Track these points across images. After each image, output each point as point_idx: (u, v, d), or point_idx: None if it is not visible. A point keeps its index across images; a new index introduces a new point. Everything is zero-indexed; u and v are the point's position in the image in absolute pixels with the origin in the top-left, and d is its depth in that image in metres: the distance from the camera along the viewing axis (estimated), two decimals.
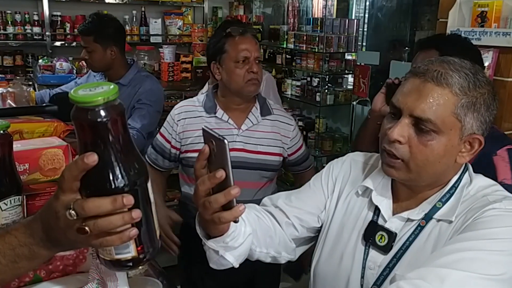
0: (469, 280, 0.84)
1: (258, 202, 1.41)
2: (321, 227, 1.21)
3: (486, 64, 2.12)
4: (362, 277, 1.07)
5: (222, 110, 1.84)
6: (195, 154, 1.76)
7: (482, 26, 2.13)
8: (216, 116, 1.84)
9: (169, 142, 1.88)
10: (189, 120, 1.85)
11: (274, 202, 1.21)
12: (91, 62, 2.57)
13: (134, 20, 4.31)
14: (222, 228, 0.93)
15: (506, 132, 2.19)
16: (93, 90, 0.66)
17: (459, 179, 1.03)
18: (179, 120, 1.86)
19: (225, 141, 0.78)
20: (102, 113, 0.65)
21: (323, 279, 1.16)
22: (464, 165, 1.05)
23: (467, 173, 1.05)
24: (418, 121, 0.96)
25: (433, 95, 0.94)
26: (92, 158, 0.64)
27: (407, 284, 0.84)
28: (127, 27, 4.34)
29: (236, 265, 1.01)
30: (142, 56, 3.83)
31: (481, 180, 1.05)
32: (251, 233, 1.03)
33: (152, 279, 1.10)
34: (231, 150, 2.00)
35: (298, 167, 2.04)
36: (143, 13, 4.28)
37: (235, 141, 1.82)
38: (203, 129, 0.84)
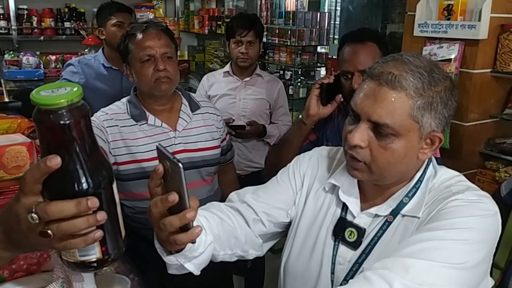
0: (432, 269, 0.85)
1: (211, 199, 1.38)
2: (289, 222, 1.21)
3: (452, 56, 2.16)
4: (332, 273, 1.08)
5: (152, 116, 1.74)
6: (131, 166, 1.71)
7: (449, 19, 2.17)
8: (148, 123, 1.73)
9: (104, 151, 1.72)
10: (122, 129, 1.72)
11: (241, 198, 1.19)
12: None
13: None
14: (180, 246, 0.90)
15: (472, 123, 2.25)
16: (56, 92, 0.64)
17: (424, 172, 1.05)
18: (110, 127, 1.71)
19: (179, 164, 0.75)
20: (66, 115, 0.63)
21: (293, 276, 1.16)
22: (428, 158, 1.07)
23: (431, 166, 1.06)
24: (376, 126, 0.96)
25: (388, 100, 0.94)
26: (55, 161, 0.63)
27: (373, 274, 0.85)
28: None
29: (197, 273, 0.99)
30: None
31: (445, 172, 1.07)
32: (212, 241, 1.01)
33: (121, 276, 1.08)
34: (172, 153, 1.95)
35: (221, 158, 1.96)
36: None
37: (174, 144, 1.75)
38: (157, 148, 0.81)
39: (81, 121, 0.65)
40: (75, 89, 0.65)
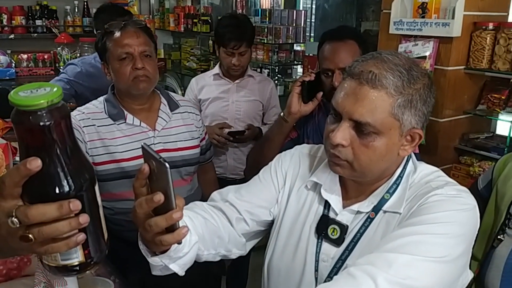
0: (415, 263, 0.87)
1: (191, 199, 1.36)
2: (272, 221, 1.21)
3: (427, 54, 2.20)
4: (316, 270, 1.09)
5: (131, 115, 1.72)
6: (110, 167, 1.70)
7: (423, 17, 2.20)
8: (126, 123, 1.72)
9: None
10: (99, 128, 1.69)
11: (224, 197, 1.19)
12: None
13: (76, 10, 4.15)
14: (166, 246, 0.89)
15: (447, 119, 2.30)
16: (35, 92, 0.62)
17: (404, 168, 1.06)
18: (86, 126, 1.68)
19: (166, 164, 0.74)
20: (45, 116, 0.62)
21: (277, 274, 1.16)
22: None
23: (410, 162, 1.08)
24: (357, 124, 0.97)
25: (369, 98, 0.94)
26: (35, 164, 0.61)
27: (357, 270, 0.86)
28: (69, 18, 4.19)
29: (182, 273, 0.98)
30: (86, 48, 3.69)
31: (424, 168, 1.08)
32: (197, 241, 1.00)
33: (103, 278, 1.07)
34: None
35: (201, 157, 1.95)
36: (85, 3, 4.13)
37: (154, 144, 1.73)
38: (142, 147, 0.80)
39: (61, 122, 0.64)
40: (55, 89, 0.63)
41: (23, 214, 0.62)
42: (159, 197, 0.76)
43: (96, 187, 0.70)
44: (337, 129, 0.98)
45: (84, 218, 0.65)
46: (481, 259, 1.48)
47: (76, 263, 0.69)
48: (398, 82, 0.94)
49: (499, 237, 1.42)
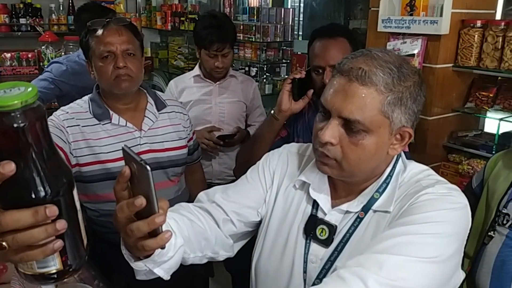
0: (405, 264, 0.85)
1: (178, 200, 1.32)
2: (260, 221, 1.18)
3: (415, 51, 2.19)
4: (305, 271, 1.07)
5: (116, 115, 1.68)
6: (95, 168, 1.66)
7: (411, 15, 2.20)
8: (112, 123, 1.68)
9: (64, 152, 1.61)
10: (84, 128, 1.65)
11: (210, 198, 1.16)
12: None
13: (61, 9, 4.08)
14: (149, 252, 0.86)
15: (436, 117, 2.29)
16: (9, 92, 0.59)
17: (393, 167, 1.05)
18: (70, 126, 1.64)
19: (147, 167, 0.71)
20: (19, 118, 0.58)
21: (265, 276, 1.14)
22: None
23: (400, 161, 1.07)
24: (347, 122, 0.95)
25: (359, 96, 0.93)
26: (9, 168, 0.58)
27: (347, 272, 0.84)
28: (54, 16, 4.12)
29: (167, 278, 0.95)
30: (71, 46, 3.64)
31: (414, 166, 1.07)
32: (182, 244, 0.98)
33: (83, 285, 1.03)
34: (138, 154, 1.87)
35: (188, 158, 1.92)
36: (70, 1, 4.07)
37: (140, 144, 1.70)
38: (123, 149, 0.76)
39: (36, 124, 0.60)
40: (29, 89, 0.60)
41: None
42: (141, 201, 0.74)
43: (75, 191, 0.66)
44: (326, 127, 0.96)
45: (61, 224, 0.61)
46: (472, 256, 1.48)
47: (54, 271, 0.66)
48: (388, 79, 0.92)
49: (489, 234, 1.43)
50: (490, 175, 1.50)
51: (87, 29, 1.65)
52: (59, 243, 0.62)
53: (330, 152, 0.97)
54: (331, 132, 0.95)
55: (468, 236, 1.27)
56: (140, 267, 0.89)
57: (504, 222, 1.40)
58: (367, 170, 1.01)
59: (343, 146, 0.96)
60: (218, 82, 2.45)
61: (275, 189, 1.17)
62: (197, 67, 2.49)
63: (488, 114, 2.28)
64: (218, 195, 1.16)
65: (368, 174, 1.03)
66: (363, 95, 0.93)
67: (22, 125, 0.58)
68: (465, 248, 0.98)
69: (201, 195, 1.19)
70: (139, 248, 0.81)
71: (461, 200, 0.96)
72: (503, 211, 1.41)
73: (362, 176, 1.03)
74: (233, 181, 2.42)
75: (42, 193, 0.61)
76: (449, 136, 2.37)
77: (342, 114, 0.94)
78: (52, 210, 0.60)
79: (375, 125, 0.94)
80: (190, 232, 1.05)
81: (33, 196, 0.60)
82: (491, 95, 2.25)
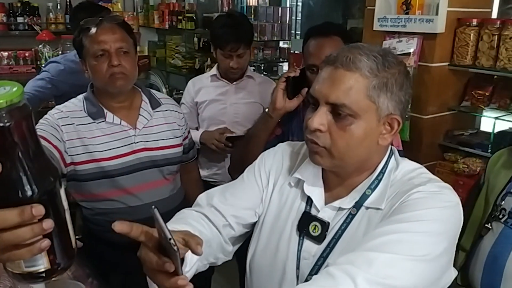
0: (395, 262, 0.85)
1: (173, 198, 1.31)
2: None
3: (411, 50, 2.20)
4: (298, 268, 1.07)
5: (111, 113, 1.69)
6: (89, 166, 1.66)
7: (407, 13, 2.20)
8: (106, 121, 1.68)
9: (59, 151, 1.61)
10: (78, 127, 1.65)
11: (209, 201, 1.17)
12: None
13: (59, 7, 4.09)
14: None
15: (431, 116, 2.30)
16: None
17: (386, 164, 1.05)
18: (65, 125, 1.64)
19: (175, 248, 0.75)
20: (4, 117, 0.59)
21: (258, 272, 1.15)
22: (389, 150, 1.08)
23: (393, 158, 1.07)
24: (334, 108, 0.97)
25: (344, 80, 0.96)
26: None
27: (337, 270, 0.84)
28: (51, 15, 4.12)
29: None
30: (68, 45, 3.62)
31: (407, 164, 1.07)
32: (198, 259, 1.00)
33: (75, 282, 1.03)
34: (132, 152, 1.75)
35: (183, 156, 1.92)
36: (68, 0, 4.06)
37: (135, 143, 1.70)
38: (153, 210, 0.78)
39: (22, 123, 0.61)
40: (15, 88, 0.61)
41: None
42: (169, 266, 0.78)
43: (62, 191, 0.67)
44: (314, 114, 0.98)
45: (48, 224, 0.61)
46: (468, 249, 1.49)
47: (42, 270, 0.66)
48: (372, 64, 0.96)
49: (486, 225, 1.44)
50: (493, 170, 1.51)
51: (80, 28, 1.65)
52: (46, 243, 0.62)
53: (319, 140, 0.99)
54: (320, 119, 0.97)
55: (465, 230, 1.27)
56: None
57: (500, 216, 1.41)
58: (357, 158, 1.01)
59: (331, 132, 0.98)
60: (234, 82, 2.41)
61: (270, 188, 1.18)
62: (215, 67, 2.47)
63: (484, 112, 2.28)
64: (216, 198, 1.17)
65: (360, 165, 1.04)
66: (348, 79, 0.96)
67: (7, 124, 0.59)
68: (460, 241, 0.98)
69: (201, 198, 1.20)
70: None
71: (452, 199, 0.97)
72: (500, 204, 1.42)
73: (354, 166, 1.03)
74: None
75: (29, 193, 0.61)
76: (445, 135, 2.37)
77: (329, 100, 0.97)
78: (38, 209, 0.60)
79: (362, 110, 0.96)
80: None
81: (20, 195, 0.60)
82: (487, 93, 2.25)
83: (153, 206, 0.78)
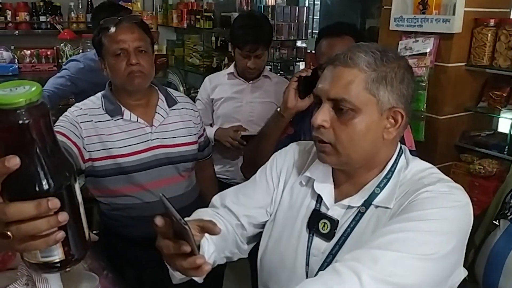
0: (401, 260, 0.86)
1: (188, 195, 1.33)
2: None
3: (427, 50, 2.18)
4: (307, 264, 1.09)
5: (128, 111, 1.72)
6: (107, 162, 1.70)
7: (424, 13, 2.19)
8: (124, 118, 1.72)
9: (78, 147, 1.65)
10: (97, 124, 1.69)
11: (223, 202, 1.21)
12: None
13: (80, 7, 4.16)
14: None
15: (447, 116, 2.28)
16: (14, 91, 0.63)
17: (395, 162, 1.06)
18: (83, 122, 1.68)
19: (187, 227, 0.79)
20: (24, 115, 0.62)
21: (269, 268, 1.17)
22: (399, 148, 1.08)
23: (403, 156, 1.08)
24: (336, 103, 0.99)
25: (343, 76, 0.99)
26: (13, 162, 0.61)
27: (342, 266, 0.86)
28: (73, 14, 4.20)
29: (201, 281, 1.00)
30: (89, 44, 3.69)
31: (417, 164, 1.08)
32: (215, 250, 1.05)
33: (89, 273, 1.07)
34: (149, 149, 1.79)
35: (199, 154, 1.94)
36: (89, 0, 4.13)
37: (151, 140, 1.73)
38: (161, 198, 0.83)
39: (40, 120, 0.64)
40: (33, 88, 0.64)
41: (1, 211, 0.62)
42: (186, 247, 0.83)
43: (77, 185, 0.70)
44: (317, 112, 1.01)
45: (63, 216, 0.65)
46: (477, 246, 1.49)
47: (57, 260, 0.69)
48: (370, 59, 0.99)
49: (494, 222, 1.44)
50: None
51: (99, 28, 1.69)
52: (61, 234, 0.66)
53: (324, 136, 1.01)
54: (322, 115, 1.00)
55: (477, 229, 1.26)
56: (179, 275, 0.96)
57: (508, 214, 1.40)
58: (362, 153, 1.03)
59: (334, 128, 1.00)
60: (251, 81, 2.43)
61: (281, 186, 1.20)
62: (232, 65, 2.49)
63: (501, 113, 2.25)
64: (229, 199, 1.21)
65: (366, 161, 1.05)
66: (347, 75, 0.99)
67: (26, 121, 0.62)
68: (474, 239, 0.98)
69: (215, 199, 1.24)
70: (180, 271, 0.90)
71: (461, 199, 0.97)
72: (509, 202, 1.41)
73: (360, 161, 1.04)
74: None
75: (45, 187, 0.64)
76: (461, 136, 2.35)
77: (330, 95, 1.00)
78: (54, 202, 0.63)
79: (362, 103, 0.98)
80: (217, 237, 1.07)
81: (37, 189, 0.63)
82: (504, 94, 2.23)
83: (160, 194, 0.82)
